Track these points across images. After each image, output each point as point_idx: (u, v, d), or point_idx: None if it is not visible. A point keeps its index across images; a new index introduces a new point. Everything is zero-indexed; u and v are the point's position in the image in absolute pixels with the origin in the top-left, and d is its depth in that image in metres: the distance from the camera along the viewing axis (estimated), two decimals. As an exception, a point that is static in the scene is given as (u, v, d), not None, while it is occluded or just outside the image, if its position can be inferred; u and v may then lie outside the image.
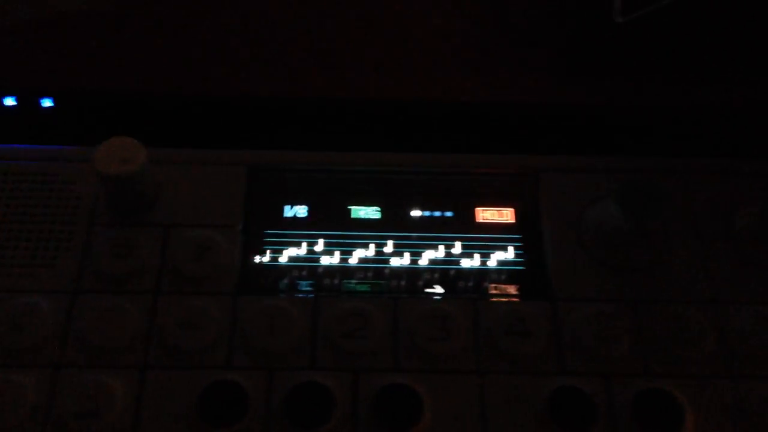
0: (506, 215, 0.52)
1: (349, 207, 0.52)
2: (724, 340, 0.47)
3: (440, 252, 0.51)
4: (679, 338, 0.47)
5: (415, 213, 0.52)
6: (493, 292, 0.49)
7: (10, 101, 0.55)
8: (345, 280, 0.50)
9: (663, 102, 0.56)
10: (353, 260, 0.50)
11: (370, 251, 0.51)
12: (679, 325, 0.47)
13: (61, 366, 0.45)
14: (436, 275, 0.50)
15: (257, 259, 0.50)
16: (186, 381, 0.45)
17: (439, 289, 0.49)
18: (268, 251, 0.50)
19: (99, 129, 0.50)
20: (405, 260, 0.50)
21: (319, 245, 0.51)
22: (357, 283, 0.49)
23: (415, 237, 0.51)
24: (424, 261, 0.50)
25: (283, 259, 0.50)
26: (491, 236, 0.51)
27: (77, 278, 0.48)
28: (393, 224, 0.51)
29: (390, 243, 0.51)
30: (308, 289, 0.49)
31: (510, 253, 0.51)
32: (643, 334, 0.47)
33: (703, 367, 0.46)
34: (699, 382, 0.46)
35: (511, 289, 0.50)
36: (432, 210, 0.52)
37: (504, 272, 0.50)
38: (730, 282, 0.49)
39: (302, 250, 0.50)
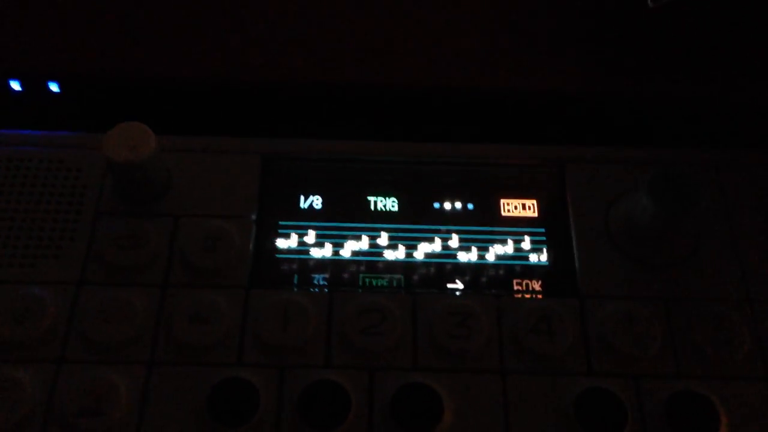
0: (531, 208, 0.51)
1: (367, 198, 0.51)
2: (761, 340, 0.46)
3: (461, 246, 0.49)
4: (714, 338, 0.45)
5: (435, 205, 0.50)
6: (517, 288, 0.48)
7: (15, 85, 0.54)
8: (362, 274, 0.48)
9: (695, 93, 0.54)
10: (371, 254, 0.49)
11: (389, 244, 0.49)
12: (714, 324, 0.46)
13: (64, 361, 0.44)
14: (457, 270, 0.49)
15: (271, 251, 0.49)
16: (194, 378, 0.44)
17: (459, 284, 0.48)
18: (282, 243, 0.49)
19: (108, 115, 0.49)
20: (424, 254, 0.49)
21: (336, 237, 0.49)
22: (374, 278, 0.48)
23: (435, 230, 0.50)
24: (444, 255, 0.49)
25: (297, 251, 0.49)
26: (515, 230, 0.50)
27: (82, 270, 0.47)
28: (412, 216, 0.50)
29: (409, 236, 0.49)
30: (323, 283, 0.48)
31: (535, 248, 0.49)
32: (676, 333, 0.46)
33: (740, 369, 0.45)
34: (735, 385, 0.45)
35: (536, 285, 0.48)
36: (453, 202, 0.51)
37: (529, 267, 0.49)
38: (767, 279, 0.48)
39: (318, 242, 0.49)
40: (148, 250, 0.47)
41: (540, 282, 0.48)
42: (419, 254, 0.49)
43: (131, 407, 0.43)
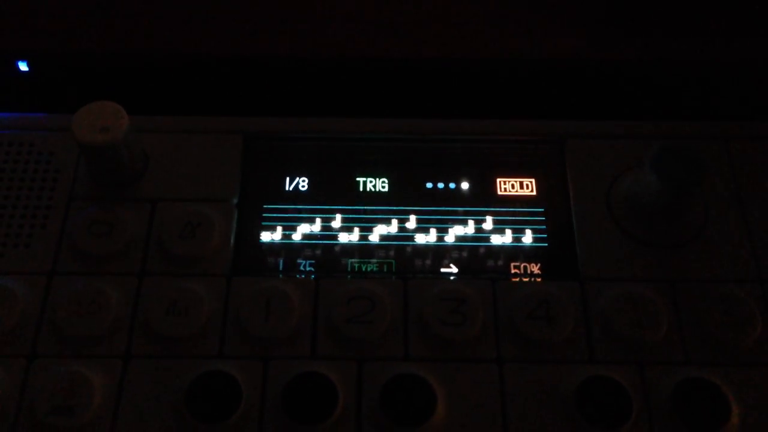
0: (529, 186, 0.49)
1: (356, 179, 0.50)
2: (774, 323, 0.45)
3: (456, 227, 0.48)
4: (723, 322, 0.44)
5: (428, 185, 0.49)
6: (515, 271, 0.47)
7: (-18, 65, 0.53)
8: (350, 259, 0.47)
9: (703, 57, 0.53)
10: (359, 237, 0.48)
11: (379, 227, 0.48)
12: (723, 306, 0.45)
13: (35, 356, 0.43)
14: (451, 253, 0.47)
15: (254, 236, 0.48)
16: (173, 372, 0.43)
17: (454, 268, 0.47)
18: (265, 228, 0.48)
19: (79, 94, 0.47)
20: (416, 237, 0.48)
21: (323, 221, 0.48)
22: (363, 263, 0.47)
23: (427, 211, 0.48)
24: (437, 238, 0.48)
25: (282, 236, 0.48)
26: (512, 209, 0.49)
27: (54, 259, 0.46)
28: (404, 197, 0.49)
29: (400, 218, 0.48)
30: (310, 269, 0.47)
31: (533, 228, 0.48)
32: (683, 317, 0.45)
33: (751, 354, 0.44)
34: (746, 371, 0.43)
35: (535, 268, 0.47)
36: (446, 181, 0.49)
37: (527, 249, 0.47)
38: (779, 259, 0.47)
39: (304, 227, 0.48)
40: (124, 237, 0.46)
41: (538, 265, 0.47)
42: (410, 237, 0.48)
43: (106, 404, 0.42)
